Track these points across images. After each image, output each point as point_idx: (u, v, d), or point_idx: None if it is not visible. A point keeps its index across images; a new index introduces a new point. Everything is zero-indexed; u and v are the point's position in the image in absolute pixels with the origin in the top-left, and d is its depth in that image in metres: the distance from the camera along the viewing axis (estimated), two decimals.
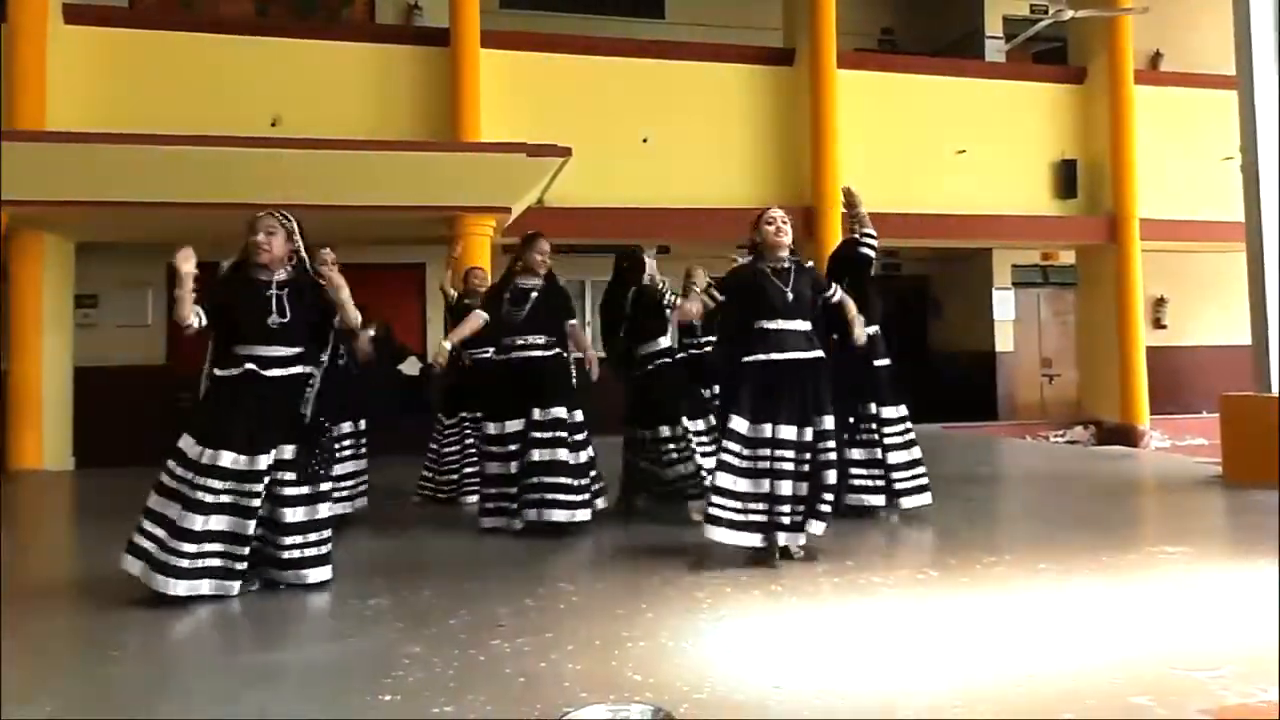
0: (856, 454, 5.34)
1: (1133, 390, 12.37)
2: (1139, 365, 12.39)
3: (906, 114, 11.94)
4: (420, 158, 8.56)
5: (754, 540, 4.27)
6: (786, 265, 4.47)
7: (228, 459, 3.81)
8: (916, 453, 5.48)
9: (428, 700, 2.80)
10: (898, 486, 5.41)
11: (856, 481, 5.35)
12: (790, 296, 4.37)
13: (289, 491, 3.95)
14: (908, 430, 5.50)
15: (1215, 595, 3.77)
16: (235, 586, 3.84)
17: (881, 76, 12.06)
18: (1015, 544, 4.84)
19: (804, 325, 4.39)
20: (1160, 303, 14.46)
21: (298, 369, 4.00)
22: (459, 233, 9.17)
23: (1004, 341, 13.98)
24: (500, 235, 9.56)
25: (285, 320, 3.96)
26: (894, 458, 5.40)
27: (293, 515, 3.95)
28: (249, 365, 3.91)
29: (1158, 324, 14.27)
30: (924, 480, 5.48)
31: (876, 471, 5.37)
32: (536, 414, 5.16)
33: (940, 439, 10.03)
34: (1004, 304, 14.06)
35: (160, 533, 3.74)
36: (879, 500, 5.38)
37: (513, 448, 5.19)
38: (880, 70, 12.14)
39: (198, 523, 3.73)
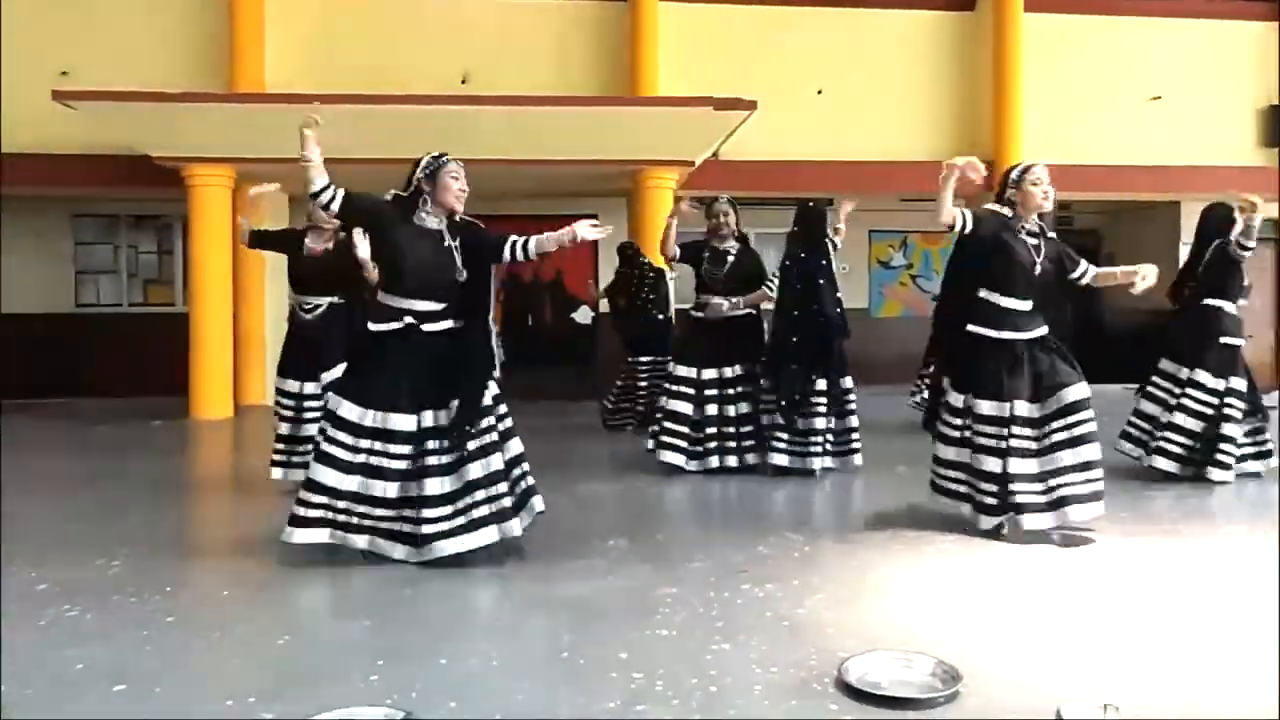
0: None
1: None
2: None
3: (1095, 59, 11.33)
4: (609, 113, 8.70)
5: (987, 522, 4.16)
6: (1036, 230, 4.20)
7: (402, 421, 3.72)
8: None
9: (703, 638, 3.00)
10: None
11: None
12: (1038, 270, 4.12)
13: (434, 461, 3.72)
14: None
15: None
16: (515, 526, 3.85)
17: (1069, 19, 11.46)
18: (1239, 509, 4.71)
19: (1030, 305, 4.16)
20: None
21: (458, 323, 3.85)
22: (642, 185, 9.37)
23: None
24: (680, 187, 9.70)
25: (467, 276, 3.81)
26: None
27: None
28: (409, 319, 3.76)
29: None
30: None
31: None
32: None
33: (1124, 401, 9.65)
34: None
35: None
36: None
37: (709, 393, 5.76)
38: (1068, 13, 11.52)
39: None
